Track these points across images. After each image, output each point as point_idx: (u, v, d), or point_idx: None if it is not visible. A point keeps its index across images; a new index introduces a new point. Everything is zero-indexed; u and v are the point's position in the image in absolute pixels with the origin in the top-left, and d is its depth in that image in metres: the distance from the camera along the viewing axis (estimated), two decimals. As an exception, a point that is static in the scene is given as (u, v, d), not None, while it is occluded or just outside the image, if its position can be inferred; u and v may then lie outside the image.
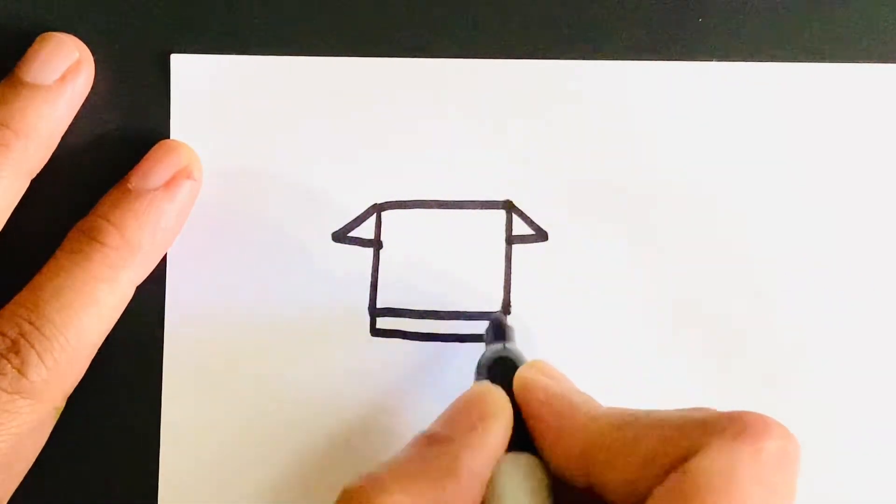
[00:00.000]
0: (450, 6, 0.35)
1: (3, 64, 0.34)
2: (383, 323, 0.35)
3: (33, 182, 0.34)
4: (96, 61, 0.35)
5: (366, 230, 0.35)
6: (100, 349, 0.33)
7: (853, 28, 0.35)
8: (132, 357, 0.35)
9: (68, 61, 0.34)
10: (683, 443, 0.26)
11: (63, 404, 0.33)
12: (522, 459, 0.29)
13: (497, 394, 0.30)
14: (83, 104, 0.35)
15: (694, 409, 0.28)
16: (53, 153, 0.34)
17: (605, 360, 0.35)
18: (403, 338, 0.35)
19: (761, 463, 0.25)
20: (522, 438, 0.29)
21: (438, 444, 0.29)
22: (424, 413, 0.34)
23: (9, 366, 0.31)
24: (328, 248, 0.35)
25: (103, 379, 0.34)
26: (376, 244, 0.35)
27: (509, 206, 0.35)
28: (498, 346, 0.32)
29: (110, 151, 0.35)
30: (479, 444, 0.28)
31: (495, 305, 0.35)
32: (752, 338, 0.35)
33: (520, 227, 0.35)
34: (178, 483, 0.34)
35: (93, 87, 0.35)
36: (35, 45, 0.34)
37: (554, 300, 0.35)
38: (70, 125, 0.35)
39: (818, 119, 0.35)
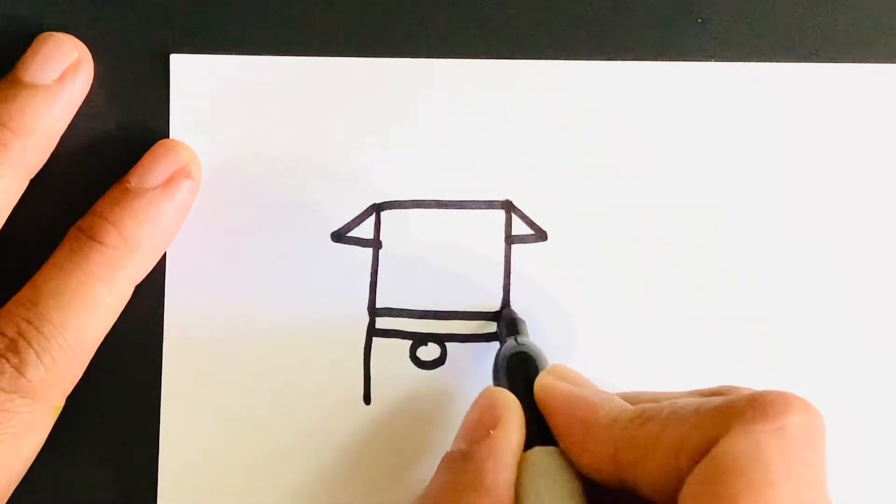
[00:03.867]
0: (449, 6, 0.35)
1: (3, 64, 0.34)
2: (383, 323, 0.35)
3: (32, 182, 0.34)
4: (96, 61, 0.35)
5: (365, 230, 0.35)
6: (99, 349, 0.33)
7: (853, 28, 0.35)
8: (132, 357, 0.34)
9: (67, 61, 0.34)
10: (707, 430, 0.26)
11: (62, 404, 0.33)
12: (545, 453, 0.29)
13: (505, 397, 0.30)
14: (83, 104, 0.35)
15: (715, 392, 0.28)
16: (53, 153, 0.34)
17: (605, 360, 0.35)
18: (403, 338, 0.35)
19: (786, 439, 0.25)
20: (544, 434, 0.29)
21: (461, 461, 0.29)
22: (424, 413, 0.34)
23: (7, 365, 0.31)
24: (327, 248, 0.35)
25: (103, 379, 0.34)
26: (376, 244, 0.35)
27: (509, 206, 0.35)
28: (512, 342, 0.32)
29: (110, 151, 0.35)
30: (497, 450, 0.29)
31: (495, 305, 0.35)
32: (752, 337, 0.35)
33: (519, 227, 0.35)
34: (177, 482, 0.34)
35: (92, 87, 0.35)
36: (34, 45, 0.34)
37: (554, 300, 0.35)
38: (69, 125, 0.35)
39: (818, 119, 0.35)
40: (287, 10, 0.35)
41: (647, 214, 0.35)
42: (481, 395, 0.31)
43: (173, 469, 0.34)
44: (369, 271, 0.35)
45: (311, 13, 0.35)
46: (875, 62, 0.35)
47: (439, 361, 0.35)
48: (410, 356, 0.35)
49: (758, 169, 0.35)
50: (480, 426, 0.30)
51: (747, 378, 0.35)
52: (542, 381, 0.30)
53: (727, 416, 0.26)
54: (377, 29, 0.35)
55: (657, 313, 0.35)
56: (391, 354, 0.35)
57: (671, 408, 0.27)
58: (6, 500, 0.32)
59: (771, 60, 0.35)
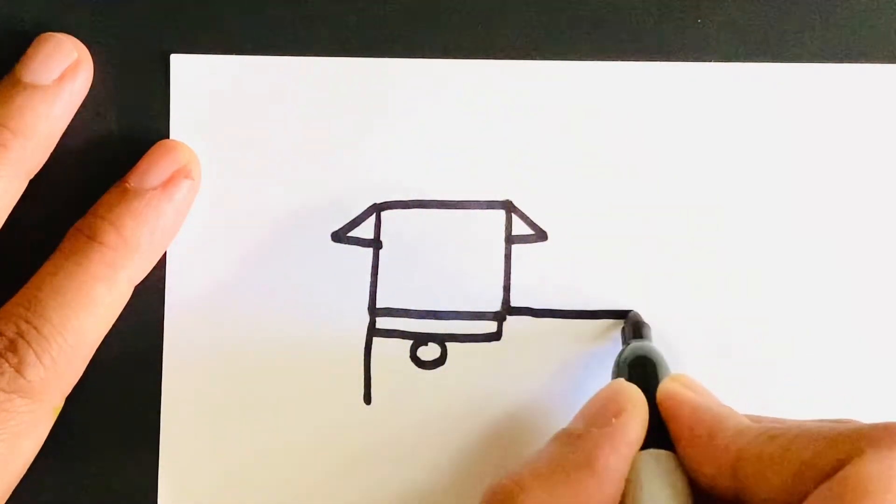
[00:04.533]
0: (449, 6, 0.35)
1: (2, 64, 0.34)
2: (383, 323, 0.35)
3: (32, 182, 0.34)
4: (96, 61, 0.35)
5: (365, 230, 0.35)
6: (99, 349, 0.33)
7: (853, 28, 0.36)
8: (132, 357, 0.34)
9: (67, 61, 0.34)
10: (836, 454, 0.26)
11: (62, 404, 0.33)
12: (660, 456, 0.29)
13: (633, 391, 0.30)
14: (83, 104, 0.35)
15: (842, 421, 0.28)
16: (52, 153, 0.34)
17: (605, 360, 0.35)
18: (403, 338, 0.35)
19: None
20: (658, 438, 0.29)
21: (575, 439, 0.29)
22: (424, 413, 0.34)
23: (6, 365, 0.31)
24: (328, 247, 0.35)
25: (103, 379, 0.34)
26: (376, 244, 0.35)
27: (509, 206, 0.35)
28: (637, 344, 0.32)
29: (110, 151, 0.35)
30: (615, 439, 0.29)
31: (495, 305, 0.35)
32: (752, 337, 0.35)
33: (519, 227, 0.35)
34: (178, 482, 0.34)
35: (92, 87, 0.35)
36: (34, 46, 0.34)
37: (554, 300, 0.35)
38: (69, 125, 0.35)
39: (818, 119, 0.35)
40: (287, 10, 0.35)
41: (647, 214, 0.35)
42: (608, 386, 0.31)
43: (173, 469, 0.34)
44: (369, 271, 0.35)
45: (311, 13, 0.35)
46: (875, 62, 0.35)
47: (439, 361, 0.35)
48: (411, 356, 0.35)
49: (758, 169, 0.35)
50: (603, 412, 0.30)
51: (748, 378, 0.35)
52: (667, 387, 0.30)
53: (860, 440, 0.26)
54: (377, 29, 0.35)
55: (657, 313, 0.35)
56: (391, 354, 0.35)
57: (800, 428, 0.28)
58: (5, 500, 0.32)
59: (770, 60, 0.35)
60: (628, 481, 0.28)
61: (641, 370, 0.31)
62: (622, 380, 0.31)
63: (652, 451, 0.29)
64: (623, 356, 0.32)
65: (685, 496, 0.28)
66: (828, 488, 0.25)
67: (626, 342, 0.34)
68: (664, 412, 0.30)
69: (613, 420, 0.29)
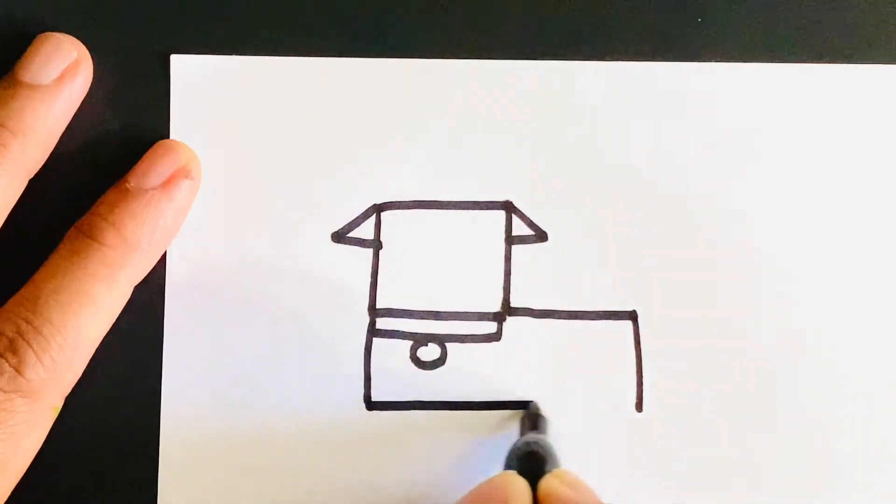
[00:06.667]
0: (449, 6, 0.35)
1: (2, 64, 0.34)
2: (383, 323, 0.35)
3: (32, 182, 0.34)
4: (96, 61, 0.35)
5: (365, 230, 0.35)
6: (99, 349, 0.33)
7: (853, 28, 0.36)
8: (132, 357, 0.34)
9: (66, 61, 0.34)
10: None
11: (61, 404, 0.33)
12: None
13: (519, 484, 0.30)
14: (83, 104, 0.35)
15: None
16: (52, 153, 0.34)
17: (604, 360, 0.35)
18: (403, 338, 0.35)
19: None
20: None
21: None
22: (424, 414, 0.34)
23: (6, 365, 0.31)
24: (328, 248, 0.35)
25: (103, 379, 0.34)
26: (376, 244, 0.35)
27: (509, 207, 0.35)
28: (530, 437, 0.32)
29: (110, 151, 0.35)
30: None
31: (495, 305, 0.35)
32: (752, 336, 0.35)
33: (519, 228, 0.35)
34: (178, 482, 0.34)
35: (92, 87, 0.35)
36: (33, 45, 0.34)
37: (554, 300, 0.35)
38: (69, 125, 0.35)
39: (818, 119, 0.35)
40: (287, 11, 0.35)
41: (647, 215, 0.35)
42: (497, 476, 0.31)
43: (174, 468, 0.34)
44: (369, 271, 0.35)
45: (311, 13, 0.35)
46: (875, 62, 0.35)
47: (439, 362, 0.35)
48: (411, 357, 0.35)
49: (758, 169, 0.35)
50: (489, 501, 0.30)
51: (748, 378, 0.35)
52: (547, 484, 0.31)
53: None
54: (378, 29, 0.35)
55: (657, 313, 0.35)
56: (391, 355, 0.35)
57: None
58: (5, 499, 0.32)
59: (771, 60, 0.35)
60: None
61: (531, 464, 0.31)
62: (511, 472, 0.31)
63: None
64: (514, 448, 0.32)
65: None
66: None
67: (522, 432, 0.33)
68: None
69: None
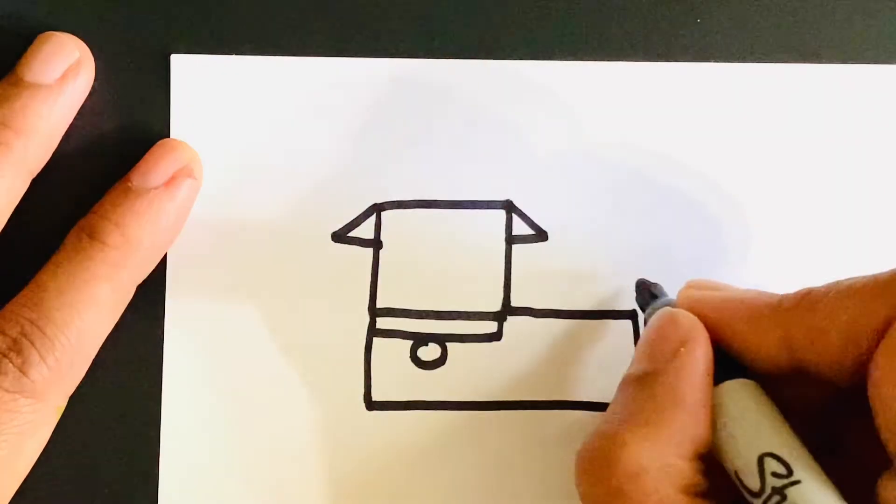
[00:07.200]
0: (449, 6, 0.35)
1: (3, 64, 0.34)
2: (383, 323, 0.35)
3: (34, 181, 0.34)
4: (96, 61, 0.35)
5: (365, 230, 0.35)
6: (100, 349, 0.33)
7: (853, 28, 0.35)
8: (132, 357, 0.34)
9: (68, 61, 0.34)
10: (882, 308, 0.26)
11: (65, 404, 0.33)
12: (739, 384, 0.28)
13: (688, 316, 0.29)
14: (83, 104, 0.35)
15: (882, 273, 0.27)
16: (54, 153, 0.34)
17: (604, 360, 0.35)
18: (403, 338, 0.35)
19: None
20: (723, 366, 0.29)
21: (650, 381, 0.28)
22: (425, 414, 0.35)
23: (10, 365, 0.31)
24: (328, 248, 0.35)
25: (103, 379, 0.34)
26: (376, 244, 0.35)
27: (509, 206, 0.35)
28: (658, 303, 0.32)
29: (110, 151, 0.35)
30: (689, 367, 0.28)
31: (495, 305, 0.35)
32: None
33: (520, 227, 0.35)
34: (178, 483, 0.34)
35: (93, 87, 0.35)
36: (35, 45, 0.34)
37: (554, 300, 0.35)
38: (70, 125, 0.35)
39: (818, 120, 0.35)
40: (287, 10, 0.35)
41: (647, 215, 0.35)
42: (660, 317, 0.30)
43: (174, 469, 0.34)
44: (370, 271, 0.35)
45: (310, 13, 0.35)
46: (874, 62, 0.35)
47: (439, 361, 0.35)
48: (411, 356, 0.35)
49: (757, 169, 0.35)
50: (666, 345, 0.29)
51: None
52: (687, 295, 0.30)
53: None
54: (377, 29, 0.35)
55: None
56: (391, 355, 0.35)
57: (841, 285, 0.27)
58: (8, 499, 0.32)
59: (770, 61, 0.35)
60: (718, 415, 0.28)
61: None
62: (671, 309, 0.30)
63: (727, 382, 0.28)
64: (650, 315, 0.31)
65: (780, 421, 0.28)
66: (892, 340, 0.25)
67: (644, 308, 0.33)
68: (697, 317, 0.29)
69: (682, 350, 0.28)
